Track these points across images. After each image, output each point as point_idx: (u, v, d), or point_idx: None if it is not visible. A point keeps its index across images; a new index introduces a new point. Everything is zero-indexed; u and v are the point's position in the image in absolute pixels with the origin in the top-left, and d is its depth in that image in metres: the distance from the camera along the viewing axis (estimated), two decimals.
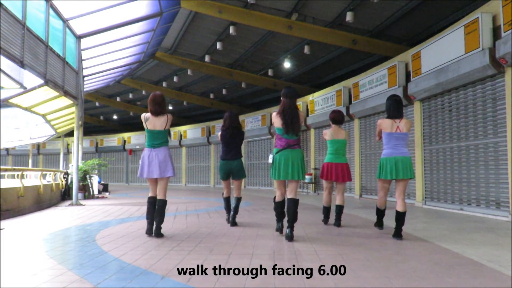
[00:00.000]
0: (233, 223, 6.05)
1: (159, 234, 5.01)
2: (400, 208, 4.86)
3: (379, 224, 5.62)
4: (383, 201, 5.35)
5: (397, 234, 4.87)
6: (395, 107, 4.98)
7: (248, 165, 19.29)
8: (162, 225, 5.18)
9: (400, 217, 4.86)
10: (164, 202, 5.11)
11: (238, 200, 6.13)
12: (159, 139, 5.08)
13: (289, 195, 4.84)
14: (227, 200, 6.40)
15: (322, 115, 13.41)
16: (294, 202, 4.77)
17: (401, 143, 4.90)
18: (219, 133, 6.25)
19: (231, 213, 6.12)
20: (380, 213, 5.49)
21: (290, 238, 4.70)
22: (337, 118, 6.08)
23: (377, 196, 5.72)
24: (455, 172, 8.30)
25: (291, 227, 4.74)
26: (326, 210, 6.19)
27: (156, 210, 5.06)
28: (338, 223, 5.97)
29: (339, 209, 6.01)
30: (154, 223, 5.06)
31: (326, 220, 6.23)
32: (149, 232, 5.08)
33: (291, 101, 4.83)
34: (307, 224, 6.16)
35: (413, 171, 4.94)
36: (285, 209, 4.91)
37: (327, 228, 5.88)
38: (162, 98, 5.14)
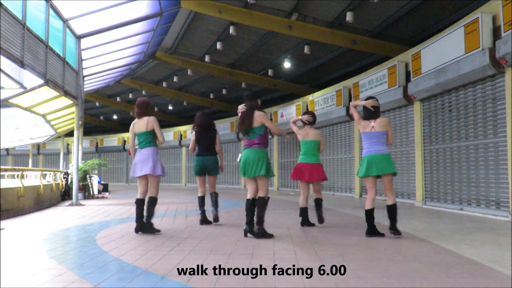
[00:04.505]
0: (216, 219, 6.20)
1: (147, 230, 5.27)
2: (389, 202, 4.98)
3: (372, 231, 5.04)
4: (371, 201, 5.09)
5: (393, 228, 4.94)
6: (367, 110, 5.19)
7: None
8: (153, 221, 5.41)
9: (390, 211, 4.97)
10: (151, 199, 5.38)
11: (216, 194, 6.32)
12: (142, 140, 5.39)
13: (259, 194, 5.02)
14: (201, 198, 6.43)
15: (322, 115, 13.39)
16: (259, 201, 4.95)
17: (376, 141, 5.06)
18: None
19: (212, 209, 6.23)
20: (369, 215, 5.03)
21: (256, 235, 4.89)
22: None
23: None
24: (455, 172, 8.30)
25: (258, 225, 4.92)
26: (302, 211, 6.08)
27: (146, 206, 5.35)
28: (319, 219, 5.97)
29: (316, 202, 6.04)
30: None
31: (302, 222, 6.06)
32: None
33: (246, 104, 5.13)
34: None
35: (391, 166, 4.98)
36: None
37: (327, 228, 5.87)
38: (143, 102, 5.53)
